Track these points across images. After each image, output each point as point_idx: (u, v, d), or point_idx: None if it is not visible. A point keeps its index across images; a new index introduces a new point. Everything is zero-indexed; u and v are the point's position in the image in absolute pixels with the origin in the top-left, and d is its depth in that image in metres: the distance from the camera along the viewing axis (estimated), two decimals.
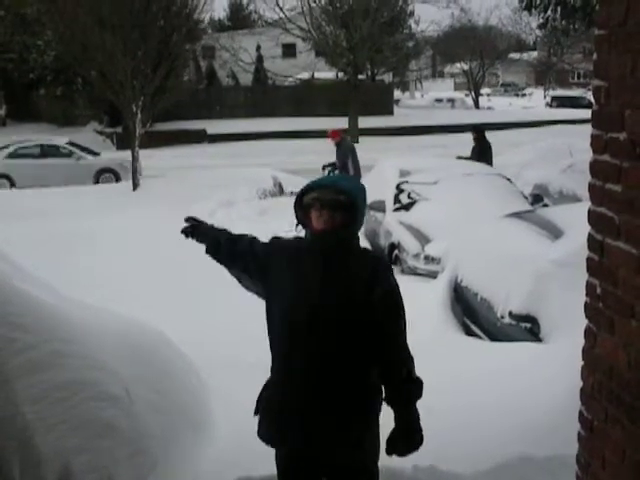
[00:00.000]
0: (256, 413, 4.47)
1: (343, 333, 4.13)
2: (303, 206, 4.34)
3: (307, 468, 4.46)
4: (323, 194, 4.23)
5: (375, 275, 4.21)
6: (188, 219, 4.84)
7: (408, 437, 4.18)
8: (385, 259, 4.41)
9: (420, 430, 4.19)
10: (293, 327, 4.19)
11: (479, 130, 18.26)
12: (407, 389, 4.20)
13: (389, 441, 4.18)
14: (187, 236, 4.83)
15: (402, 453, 4.21)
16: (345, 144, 18.14)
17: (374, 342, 4.15)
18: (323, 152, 21.56)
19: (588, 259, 3.66)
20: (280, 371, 4.33)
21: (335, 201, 4.20)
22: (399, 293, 4.28)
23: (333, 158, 18.44)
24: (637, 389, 3.22)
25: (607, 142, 3.42)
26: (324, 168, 19.56)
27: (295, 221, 4.47)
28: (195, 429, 6.14)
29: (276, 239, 4.57)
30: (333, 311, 4.13)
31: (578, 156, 18.13)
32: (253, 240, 4.63)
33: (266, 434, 4.41)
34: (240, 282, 4.69)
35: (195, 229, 4.81)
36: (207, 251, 4.76)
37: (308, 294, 4.18)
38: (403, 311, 4.25)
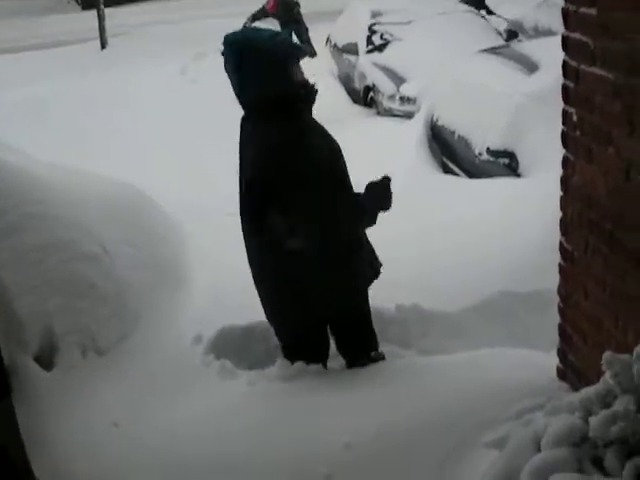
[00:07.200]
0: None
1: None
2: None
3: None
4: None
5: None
6: None
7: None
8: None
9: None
10: (328, 185, 4.27)
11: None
12: None
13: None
14: None
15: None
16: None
17: None
18: None
19: (563, 87, 3.56)
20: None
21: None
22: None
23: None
24: (616, 216, 3.18)
25: None
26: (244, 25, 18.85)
27: None
28: (175, 285, 6.14)
29: (283, 138, 4.36)
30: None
31: None
32: None
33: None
34: None
35: None
36: None
37: (328, 148, 4.39)
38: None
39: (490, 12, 18.10)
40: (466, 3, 17.81)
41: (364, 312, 4.74)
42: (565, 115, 3.58)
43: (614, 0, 3.04)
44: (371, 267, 4.61)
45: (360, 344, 4.78)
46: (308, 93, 4.27)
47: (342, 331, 4.75)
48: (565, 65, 3.52)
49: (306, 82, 4.26)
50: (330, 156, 4.37)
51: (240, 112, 4.35)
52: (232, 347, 5.31)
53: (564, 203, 3.70)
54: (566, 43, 3.50)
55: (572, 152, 3.55)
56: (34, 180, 5.47)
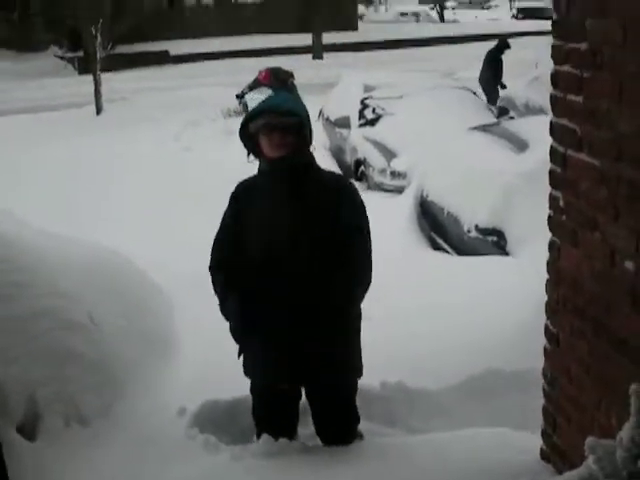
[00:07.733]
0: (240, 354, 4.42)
1: (319, 255, 4.14)
2: (251, 134, 4.21)
3: (290, 394, 4.54)
4: (272, 118, 4.12)
5: (341, 196, 4.24)
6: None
7: None
8: (348, 180, 4.32)
9: None
10: (273, 259, 4.16)
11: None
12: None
13: None
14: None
15: None
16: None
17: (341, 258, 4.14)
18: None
19: (550, 171, 3.62)
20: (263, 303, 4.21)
21: (285, 123, 4.13)
22: (364, 212, 4.30)
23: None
24: (601, 301, 3.21)
25: (568, 52, 3.35)
26: (238, 97, 19.13)
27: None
28: (162, 354, 6.12)
29: (241, 183, 4.44)
30: (308, 238, 4.14)
31: (544, 68, 18.02)
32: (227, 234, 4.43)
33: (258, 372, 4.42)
34: None
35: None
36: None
37: (282, 225, 4.15)
38: (367, 230, 4.26)
39: (504, 87, 18.49)
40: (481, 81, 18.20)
41: (336, 398, 4.55)
42: (552, 199, 3.63)
43: (600, 88, 3.11)
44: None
45: (330, 430, 4.63)
46: (270, 169, 4.22)
47: (314, 411, 4.66)
48: (552, 150, 3.59)
49: (274, 158, 4.17)
50: (286, 235, 4.18)
51: (233, 180, 4.42)
52: (216, 421, 5.27)
53: (550, 286, 3.74)
54: (553, 128, 3.57)
55: (558, 236, 3.60)
56: (23, 248, 5.49)
